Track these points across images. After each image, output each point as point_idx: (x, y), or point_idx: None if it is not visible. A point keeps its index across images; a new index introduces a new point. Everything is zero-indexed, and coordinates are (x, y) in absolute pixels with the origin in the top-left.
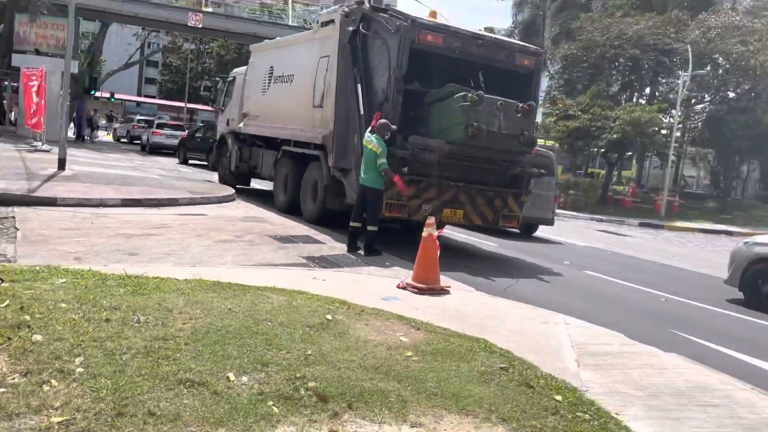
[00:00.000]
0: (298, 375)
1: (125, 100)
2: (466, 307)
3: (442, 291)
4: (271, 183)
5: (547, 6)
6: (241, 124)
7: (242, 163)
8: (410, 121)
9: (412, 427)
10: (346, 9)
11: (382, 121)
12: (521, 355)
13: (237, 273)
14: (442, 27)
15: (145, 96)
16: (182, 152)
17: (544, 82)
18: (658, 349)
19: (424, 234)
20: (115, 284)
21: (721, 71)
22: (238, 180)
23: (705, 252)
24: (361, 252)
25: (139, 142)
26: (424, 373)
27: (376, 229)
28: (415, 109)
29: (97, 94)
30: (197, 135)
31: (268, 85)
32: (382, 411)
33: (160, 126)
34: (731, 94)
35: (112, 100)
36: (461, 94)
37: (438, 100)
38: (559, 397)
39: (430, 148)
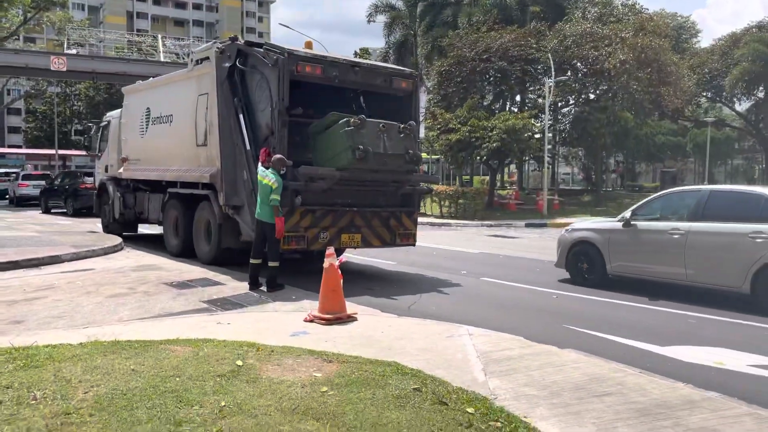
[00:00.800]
0: (215, 430)
1: None
2: (374, 332)
3: (349, 318)
4: (161, 227)
5: (417, 26)
6: (121, 170)
7: (127, 209)
8: (298, 152)
9: None
10: (221, 46)
11: (278, 156)
12: (432, 372)
13: (135, 328)
14: (320, 57)
15: (10, 146)
16: (44, 202)
17: (423, 99)
18: (555, 347)
19: (325, 264)
20: (2, 360)
21: (580, 75)
22: (124, 228)
23: None
24: (264, 288)
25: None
26: (342, 407)
27: (277, 264)
28: (301, 139)
29: None
30: (56, 183)
31: (147, 127)
32: None
33: (26, 177)
34: (592, 96)
35: None
36: (344, 120)
37: (322, 128)
38: (471, 410)
39: (320, 177)
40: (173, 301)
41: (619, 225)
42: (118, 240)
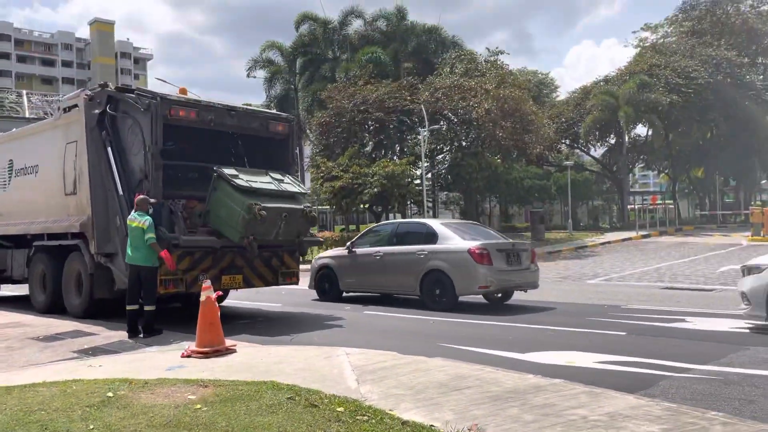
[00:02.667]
0: None
1: None
2: (253, 360)
3: (228, 350)
4: (26, 286)
5: (297, 80)
6: None
7: None
8: (172, 188)
9: None
10: (89, 92)
11: (141, 197)
12: (307, 386)
13: None
14: (193, 102)
15: None
16: None
17: (307, 150)
18: (425, 357)
19: (202, 298)
20: None
21: (452, 124)
22: None
23: None
24: (141, 335)
25: None
26: (215, 418)
27: (153, 308)
28: (174, 174)
29: None
30: None
31: (9, 180)
32: None
33: None
34: (464, 143)
35: None
36: (247, 204)
37: (213, 190)
38: (341, 409)
39: (202, 246)
40: (40, 353)
41: (345, 251)
42: None
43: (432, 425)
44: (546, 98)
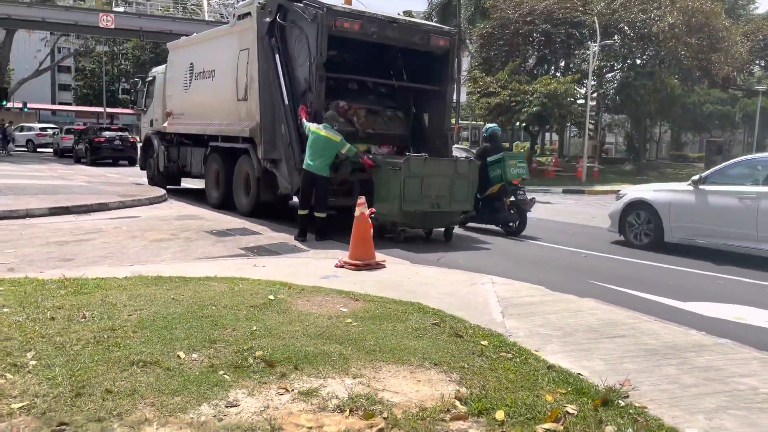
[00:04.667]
0: (245, 347)
1: (39, 109)
2: (400, 278)
3: (378, 266)
4: (203, 181)
5: None
6: (165, 124)
7: (171, 163)
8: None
9: (354, 378)
10: (262, 1)
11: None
12: (452, 313)
13: (177, 267)
14: (358, 13)
15: (60, 103)
16: (75, 153)
17: (465, 63)
18: (575, 296)
19: (356, 213)
20: (54, 287)
21: (627, 39)
22: (168, 180)
23: None
24: (313, 237)
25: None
26: (363, 335)
27: (324, 215)
28: (336, 95)
29: (8, 104)
30: (81, 137)
31: (190, 82)
32: (325, 368)
33: (68, 132)
34: (638, 61)
35: (25, 110)
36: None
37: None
38: (485, 342)
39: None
40: (212, 247)
41: (686, 186)
42: (162, 191)
43: (579, 373)
44: (741, 11)
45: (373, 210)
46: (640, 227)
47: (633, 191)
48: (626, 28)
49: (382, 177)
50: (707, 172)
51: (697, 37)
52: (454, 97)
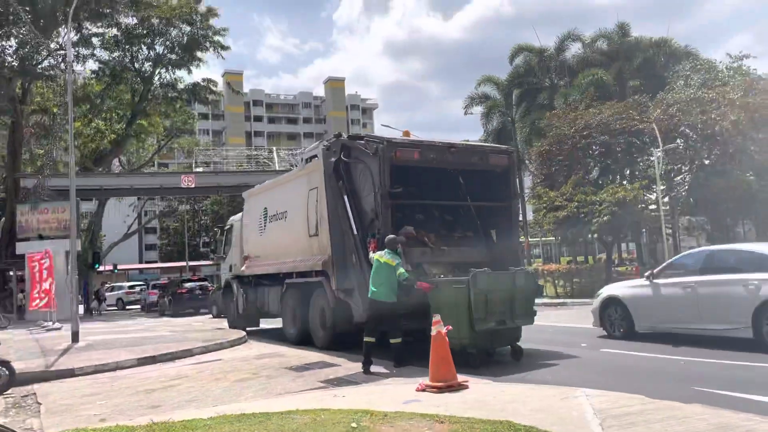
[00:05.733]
0: None
1: (128, 270)
2: (486, 397)
3: (461, 386)
4: (280, 320)
5: (513, 112)
6: (243, 267)
7: (249, 304)
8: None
9: None
10: (327, 143)
11: (391, 236)
12: (545, 429)
13: (259, 404)
14: (417, 142)
15: (146, 262)
16: (159, 306)
17: (527, 181)
18: (678, 402)
19: (433, 332)
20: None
21: (690, 141)
22: (247, 322)
23: None
24: (381, 368)
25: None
26: None
27: (399, 341)
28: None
29: (101, 267)
30: (166, 290)
31: (265, 225)
32: None
33: (154, 287)
34: (706, 161)
35: (115, 272)
36: None
37: None
38: None
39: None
40: (293, 382)
41: (644, 281)
42: (242, 333)
43: None
44: None
45: (450, 327)
46: (616, 320)
47: (607, 289)
48: (688, 130)
49: (442, 297)
50: (658, 268)
51: (765, 131)
52: (520, 214)
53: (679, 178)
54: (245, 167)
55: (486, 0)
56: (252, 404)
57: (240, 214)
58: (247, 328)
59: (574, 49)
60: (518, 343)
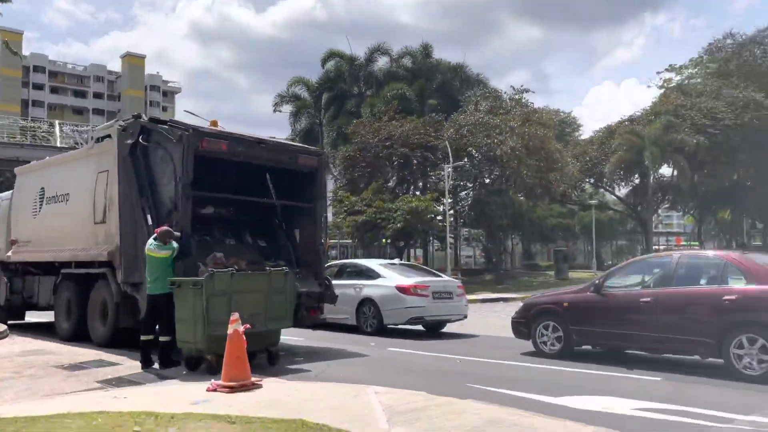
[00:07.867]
0: None
1: None
2: (280, 396)
3: (254, 385)
4: (51, 314)
5: (322, 115)
6: (9, 253)
7: (14, 295)
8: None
9: None
10: (123, 123)
11: (164, 228)
12: (337, 426)
13: (22, 407)
14: (225, 134)
15: None
16: None
17: (330, 185)
18: (457, 398)
19: (229, 331)
20: None
21: (476, 161)
22: (9, 315)
23: (487, 317)
24: (156, 366)
25: None
26: None
27: (169, 338)
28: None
29: None
30: None
31: (40, 208)
32: None
33: None
34: (487, 180)
35: None
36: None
37: None
38: None
39: None
40: (64, 382)
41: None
42: (2, 327)
43: None
44: (568, 137)
45: (248, 326)
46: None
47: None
48: (474, 151)
49: (181, 296)
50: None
51: (536, 159)
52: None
53: (464, 193)
54: (20, 140)
55: (300, 1)
56: (13, 407)
57: (8, 192)
58: (9, 322)
59: (382, 62)
60: (275, 348)
